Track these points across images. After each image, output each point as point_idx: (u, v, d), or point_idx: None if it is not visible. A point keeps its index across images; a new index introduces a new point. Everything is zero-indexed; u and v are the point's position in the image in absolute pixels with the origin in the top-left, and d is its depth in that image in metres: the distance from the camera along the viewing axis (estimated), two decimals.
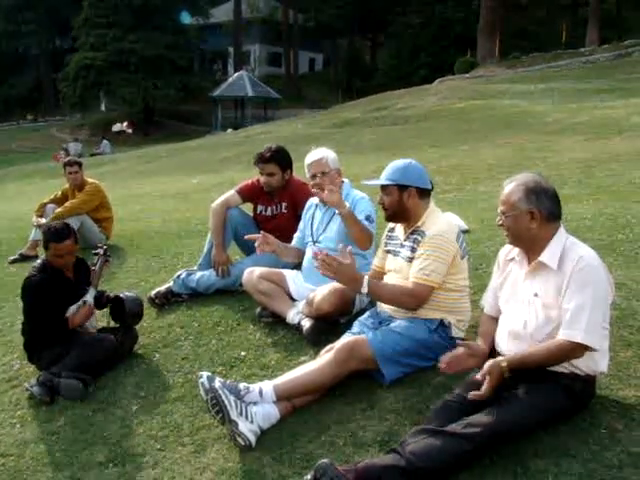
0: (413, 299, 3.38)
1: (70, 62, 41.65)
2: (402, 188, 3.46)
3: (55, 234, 4.13)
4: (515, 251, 3.07)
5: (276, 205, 5.08)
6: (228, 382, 3.28)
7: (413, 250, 3.47)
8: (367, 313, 3.77)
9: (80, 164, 7.40)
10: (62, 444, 3.52)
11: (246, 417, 3.16)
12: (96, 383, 4.00)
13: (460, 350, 3.00)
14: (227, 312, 4.64)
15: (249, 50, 52.07)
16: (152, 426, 3.51)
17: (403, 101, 22.30)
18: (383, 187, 3.51)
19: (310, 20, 51.09)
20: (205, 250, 5.12)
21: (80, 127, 42.76)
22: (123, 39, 40.38)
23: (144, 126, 40.30)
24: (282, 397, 3.29)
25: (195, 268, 5.14)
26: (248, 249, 5.23)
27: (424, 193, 3.54)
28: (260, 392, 3.26)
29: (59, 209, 7.09)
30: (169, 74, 40.94)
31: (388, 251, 3.73)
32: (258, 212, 5.17)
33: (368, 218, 4.15)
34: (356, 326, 3.68)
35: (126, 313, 4.25)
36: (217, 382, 3.21)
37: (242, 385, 3.29)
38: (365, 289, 3.34)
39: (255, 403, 3.25)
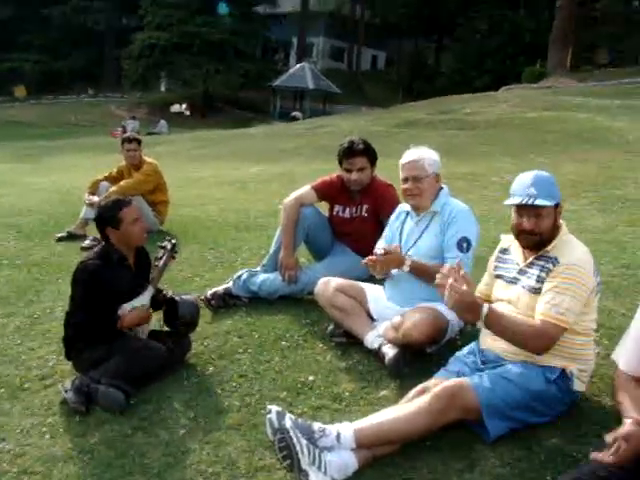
0: (541, 341, 2.73)
1: (135, 40, 41.62)
2: (556, 206, 2.83)
3: (121, 200, 3.65)
4: None
5: (357, 207, 4.49)
6: (300, 421, 2.71)
7: (540, 280, 2.83)
8: (466, 349, 3.14)
9: (139, 141, 6.92)
10: (95, 467, 2.98)
11: (319, 467, 2.59)
12: (139, 395, 3.45)
13: None
14: (292, 325, 4.06)
15: (312, 42, 51.45)
16: (201, 458, 2.94)
17: (470, 106, 21.42)
18: (537, 208, 2.83)
19: (376, 17, 50.57)
20: (272, 250, 4.55)
21: (138, 105, 42.70)
22: (189, 21, 40.08)
23: (202, 110, 40.08)
24: (363, 445, 2.70)
25: (258, 269, 4.57)
26: (320, 254, 4.66)
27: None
28: (338, 437, 2.68)
29: (113, 187, 6.61)
30: (231, 60, 40.62)
31: (498, 276, 3.10)
32: (335, 213, 4.58)
33: (461, 245, 3.51)
34: (453, 364, 3.06)
35: (179, 320, 3.68)
36: (288, 420, 2.64)
37: (317, 426, 2.71)
38: (482, 320, 2.71)
39: (330, 449, 2.67)
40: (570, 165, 10.76)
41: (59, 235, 6.77)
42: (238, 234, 6.52)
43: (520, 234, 2.92)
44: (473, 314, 2.73)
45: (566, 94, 23.26)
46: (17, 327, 4.47)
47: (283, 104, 39.85)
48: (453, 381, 2.79)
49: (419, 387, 2.92)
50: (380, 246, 3.90)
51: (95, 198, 6.63)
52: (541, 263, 2.87)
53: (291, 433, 2.57)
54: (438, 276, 2.73)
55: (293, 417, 2.71)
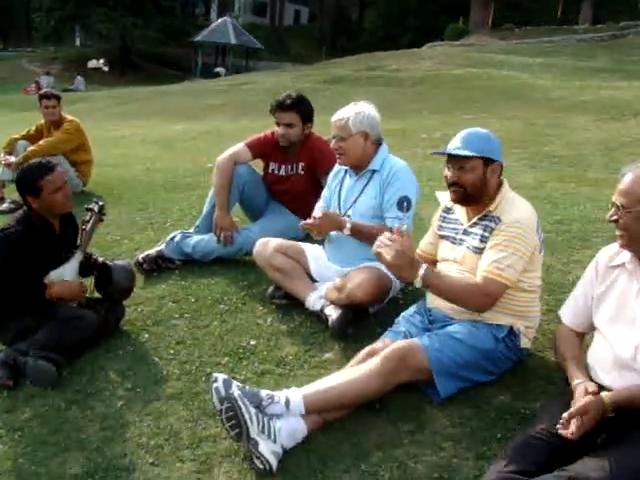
0: (482, 298, 2.70)
1: None
2: (487, 162, 2.77)
3: (44, 165, 3.34)
4: (625, 256, 2.41)
5: (292, 164, 4.35)
6: (247, 389, 2.61)
7: (484, 240, 2.79)
8: (413, 308, 3.09)
9: (59, 98, 6.52)
10: (27, 444, 2.80)
11: (268, 435, 2.50)
12: (71, 367, 3.27)
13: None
14: (230, 287, 3.93)
15: None
16: (142, 431, 2.81)
17: (396, 63, 21.42)
18: (460, 160, 2.78)
19: None
20: (205, 211, 4.38)
21: (52, 61, 40.67)
22: None
23: (120, 66, 38.54)
24: (312, 410, 2.63)
25: (191, 231, 4.40)
26: (255, 214, 4.52)
27: (501, 171, 2.86)
28: (287, 403, 2.59)
29: (32, 147, 6.22)
30: (150, 14, 39.11)
31: (443, 236, 3.05)
32: (270, 171, 4.43)
33: (401, 204, 3.44)
34: (400, 324, 3.01)
35: (113, 286, 3.49)
36: (235, 388, 2.53)
37: (264, 393, 2.61)
38: (420, 280, 2.66)
39: (279, 416, 2.58)
40: (497, 122, 10.85)
41: None
42: (166, 194, 6.28)
43: (449, 187, 2.88)
44: (410, 271, 2.67)
45: (489, 51, 23.56)
46: None
47: (205, 60, 38.82)
48: (403, 342, 2.74)
49: (367, 349, 2.86)
50: (319, 206, 3.80)
51: (12, 158, 6.25)
52: (484, 223, 2.83)
53: (239, 402, 2.46)
54: (376, 244, 2.67)
55: (240, 385, 2.60)
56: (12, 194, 5.71)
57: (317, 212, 3.67)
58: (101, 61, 35.51)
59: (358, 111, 3.54)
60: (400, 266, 2.62)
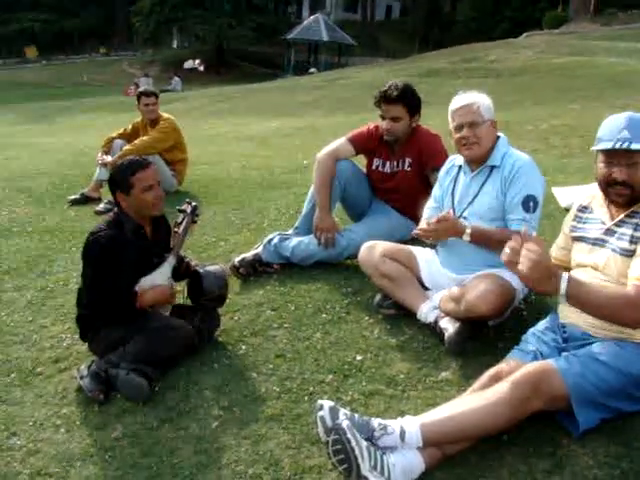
0: (637, 311, 2.26)
1: None
2: None
3: (136, 162, 3.12)
4: None
5: (398, 160, 4.00)
6: (357, 417, 2.28)
7: (634, 240, 2.36)
8: (544, 324, 2.68)
9: (157, 95, 6.42)
10: (118, 467, 2.57)
11: (382, 472, 2.17)
12: (163, 381, 3.04)
13: None
14: (332, 294, 3.63)
15: None
16: (239, 457, 2.53)
17: (493, 53, 20.64)
18: (632, 154, 2.34)
19: None
20: (305, 211, 4.09)
21: (151, 63, 41.95)
22: None
23: (216, 65, 39.23)
24: (431, 443, 2.27)
25: (290, 232, 4.12)
26: (357, 213, 4.20)
27: None
28: (402, 434, 2.25)
29: (128, 146, 6.14)
30: (244, 13, 39.60)
31: (578, 238, 2.63)
32: (374, 168, 4.09)
33: (527, 204, 3.01)
34: (530, 342, 2.60)
35: (205, 295, 3.24)
36: (343, 418, 2.21)
37: (377, 422, 2.28)
38: (564, 293, 2.25)
39: (393, 449, 2.25)
40: (608, 111, 10.02)
41: (72, 197, 6.35)
42: (262, 193, 6.05)
43: (609, 186, 2.44)
44: (548, 282, 2.26)
45: (592, 39, 22.43)
46: (29, 302, 4.08)
47: (297, 58, 38.91)
48: (535, 365, 2.33)
49: (492, 371, 2.48)
50: (429, 206, 3.43)
51: (108, 158, 6.19)
52: (635, 221, 2.40)
53: (348, 434, 2.14)
54: (506, 252, 2.26)
55: (348, 413, 2.28)
56: (109, 195, 5.64)
57: (427, 214, 3.31)
58: (197, 61, 36.27)
59: (483, 97, 3.17)
60: (539, 279, 2.22)
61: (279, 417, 2.71)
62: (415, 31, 47.11)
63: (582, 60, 17.09)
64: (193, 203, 3.41)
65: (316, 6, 45.35)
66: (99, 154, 6.39)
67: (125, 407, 2.91)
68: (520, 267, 2.20)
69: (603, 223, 2.54)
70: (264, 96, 18.67)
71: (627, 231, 2.41)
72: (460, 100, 3.22)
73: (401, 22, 52.83)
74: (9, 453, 2.71)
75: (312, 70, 31.96)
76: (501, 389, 2.29)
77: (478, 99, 3.19)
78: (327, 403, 2.28)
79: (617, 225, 2.46)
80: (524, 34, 26.42)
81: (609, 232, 2.49)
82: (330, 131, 9.88)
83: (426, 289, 3.26)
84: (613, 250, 2.44)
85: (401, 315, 3.27)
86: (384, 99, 3.83)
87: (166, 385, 3.01)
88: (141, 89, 6.93)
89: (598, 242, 2.53)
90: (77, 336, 3.40)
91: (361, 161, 4.22)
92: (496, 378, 2.42)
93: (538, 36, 25.28)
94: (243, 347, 3.26)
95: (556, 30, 26.76)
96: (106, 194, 5.96)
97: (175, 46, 45.67)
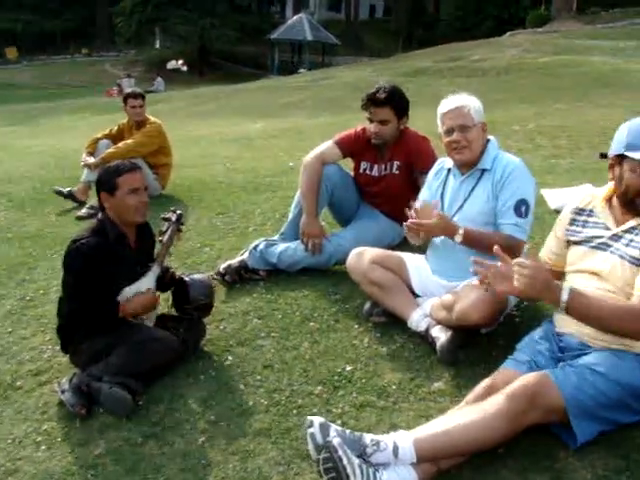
0: None
1: None
2: None
3: (126, 165, 3.06)
4: None
5: (386, 164, 3.93)
6: (349, 433, 2.20)
7: None
8: (538, 333, 2.61)
9: (144, 97, 6.31)
10: None
11: None
12: (148, 394, 2.94)
13: None
14: (320, 302, 3.55)
15: None
16: (227, 474, 2.45)
17: (477, 53, 20.65)
18: None
19: None
20: (291, 216, 4.00)
21: (134, 64, 41.62)
22: None
23: (199, 66, 39.01)
24: (425, 458, 2.20)
25: (276, 238, 4.04)
26: (344, 218, 4.13)
27: None
28: (395, 450, 2.17)
29: (111, 149, 6.02)
30: (226, 13, 39.43)
31: (576, 242, 2.56)
32: (361, 171, 4.02)
33: (519, 209, 2.97)
34: (525, 352, 2.53)
35: (191, 304, 3.15)
36: (334, 435, 2.13)
37: (369, 438, 2.20)
38: (564, 306, 2.19)
39: (386, 466, 2.17)
40: (594, 111, 10.14)
41: (58, 189, 6.26)
42: (247, 197, 5.95)
43: (635, 196, 2.36)
44: (549, 292, 2.21)
45: (576, 37, 22.49)
46: (8, 312, 3.97)
47: (281, 57, 38.81)
48: (531, 377, 2.26)
49: (485, 383, 2.41)
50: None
51: (91, 159, 6.08)
52: None
53: (339, 452, 2.06)
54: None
55: (339, 429, 2.20)
56: (94, 199, 5.53)
57: (417, 203, 3.24)
58: (180, 62, 36.02)
59: (473, 100, 3.11)
60: (535, 296, 2.16)
61: (267, 431, 2.63)
62: (399, 30, 47.13)
63: (567, 59, 17.12)
64: (178, 211, 3.33)
65: (300, 6, 45.17)
66: (84, 155, 6.27)
67: (108, 422, 2.82)
68: (516, 284, 2.15)
69: (607, 228, 2.47)
70: (248, 97, 18.53)
71: (636, 237, 2.35)
72: (450, 103, 3.15)
73: (385, 21, 52.84)
74: None
75: (301, 70, 31.89)
76: (497, 402, 2.22)
77: (468, 102, 3.13)
78: (317, 419, 2.20)
79: (627, 231, 2.39)
80: (508, 33, 26.44)
81: (615, 237, 2.42)
82: (315, 132, 9.79)
83: (416, 296, 3.20)
84: (621, 257, 2.37)
85: (391, 323, 3.20)
86: (372, 102, 3.76)
87: (150, 398, 2.92)
88: (128, 91, 6.81)
89: (601, 247, 2.46)
90: (58, 347, 3.30)
91: (348, 164, 4.14)
92: (490, 390, 2.36)
93: (522, 35, 25.31)
94: (230, 357, 3.17)
95: (540, 29, 26.80)
96: (93, 197, 5.85)
97: (158, 46, 45.32)
